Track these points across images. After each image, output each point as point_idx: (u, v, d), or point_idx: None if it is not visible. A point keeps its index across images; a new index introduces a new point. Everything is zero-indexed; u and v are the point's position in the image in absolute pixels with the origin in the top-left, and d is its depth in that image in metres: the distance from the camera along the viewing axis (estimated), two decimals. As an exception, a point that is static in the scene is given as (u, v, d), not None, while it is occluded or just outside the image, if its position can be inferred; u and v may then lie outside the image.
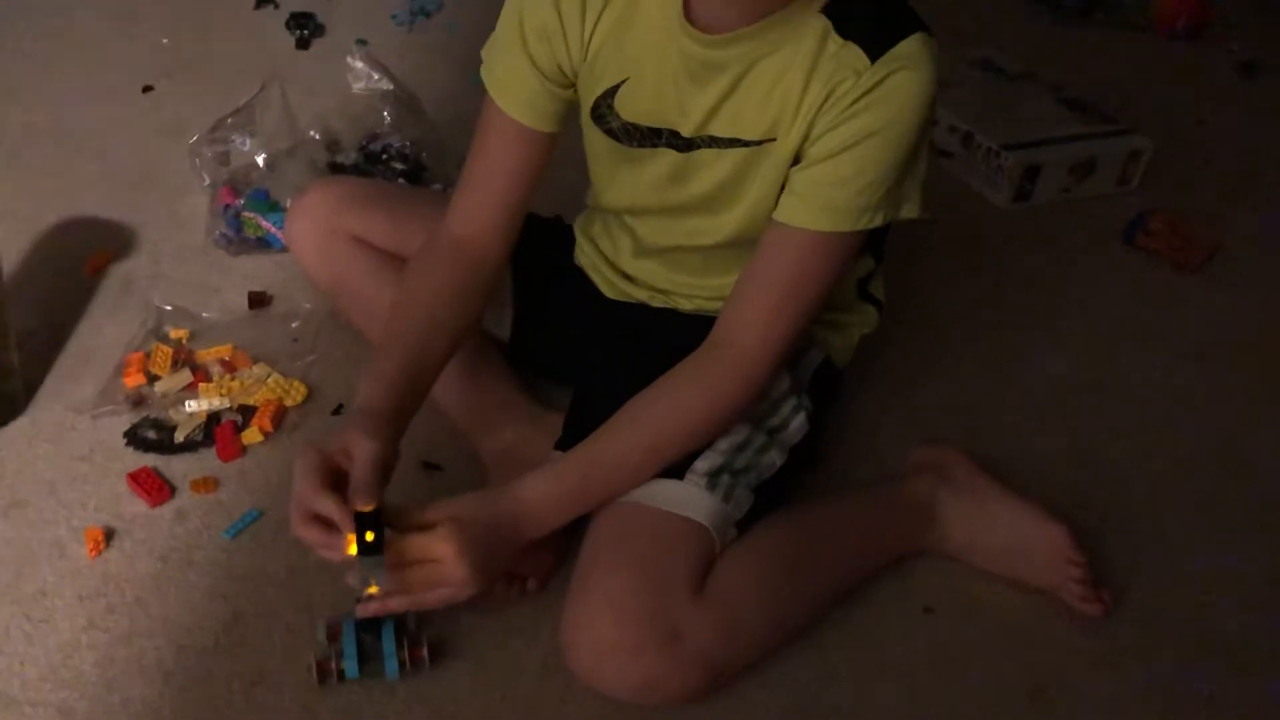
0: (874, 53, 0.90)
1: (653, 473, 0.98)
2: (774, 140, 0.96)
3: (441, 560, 0.89)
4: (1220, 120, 2.10)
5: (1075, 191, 1.77)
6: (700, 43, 0.93)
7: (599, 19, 0.96)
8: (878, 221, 0.95)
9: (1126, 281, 1.61)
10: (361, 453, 0.89)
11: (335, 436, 0.92)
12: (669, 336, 1.06)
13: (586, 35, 0.97)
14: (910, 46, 0.90)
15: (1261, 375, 1.46)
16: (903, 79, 0.90)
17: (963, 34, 1.99)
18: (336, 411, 1.20)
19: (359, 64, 1.67)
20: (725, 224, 1.04)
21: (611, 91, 1.00)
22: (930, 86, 0.91)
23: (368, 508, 0.86)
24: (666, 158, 1.01)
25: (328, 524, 0.88)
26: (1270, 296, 1.61)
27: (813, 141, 0.94)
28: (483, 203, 1.04)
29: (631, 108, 1.00)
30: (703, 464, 0.99)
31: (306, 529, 0.89)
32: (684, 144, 1.00)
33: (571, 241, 1.23)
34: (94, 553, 1.03)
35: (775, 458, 1.04)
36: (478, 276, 1.05)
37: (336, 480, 0.89)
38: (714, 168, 1.00)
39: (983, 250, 1.63)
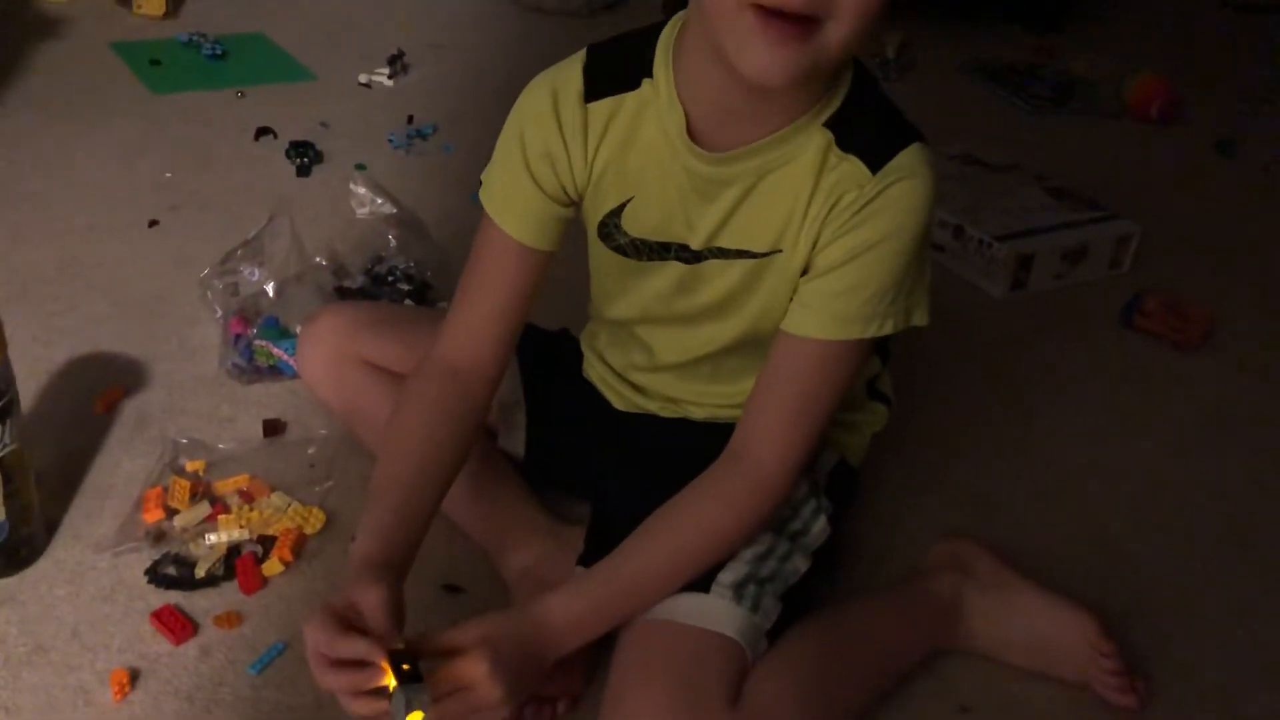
0: (874, 165, 0.93)
1: (677, 586, 0.97)
2: (780, 252, 0.98)
3: (475, 685, 0.87)
4: (1204, 199, 2.15)
5: (1069, 277, 1.80)
6: (706, 161, 0.96)
7: (601, 142, 0.98)
8: (887, 329, 0.97)
9: (1128, 364, 1.63)
10: (371, 601, 0.86)
11: (332, 600, 0.88)
12: (683, 445, 1.07)
13: (590, 158, 0.99)
14: (908, 157, 0.94)
15: (1271, 450, 1.47)
16: (903, 188, 0.93)
17: (943, 129, 2.04)
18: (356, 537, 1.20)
19: (361, 189, 1.69)
20: (732, 328, 1.05)
21: (618, 210, 1.02)
22: (929, 194, 0.94)
23: (397, 646, 0.85)
24: (674, 269, 1.03)
25: (353, 668, 0.86)
26: (1270, 369, 1.63)
27: (819, 250, 0.96)
28: (479, 323, 1.04)
29: (639, 224, 1.02)
30: (728, 575, 0.99)
31: (334, 676, 0.86)
32: (692, 256, 1.02)
33: (579, 355, 1.24)
34: (119, 696, 1.01)
35: (800, 563, 1.04)
36: (473, 400, 1.04)
37: (351, 629, 0.87)
38: (721, 278, 1.02)
39: (983, 340, 1.66)
